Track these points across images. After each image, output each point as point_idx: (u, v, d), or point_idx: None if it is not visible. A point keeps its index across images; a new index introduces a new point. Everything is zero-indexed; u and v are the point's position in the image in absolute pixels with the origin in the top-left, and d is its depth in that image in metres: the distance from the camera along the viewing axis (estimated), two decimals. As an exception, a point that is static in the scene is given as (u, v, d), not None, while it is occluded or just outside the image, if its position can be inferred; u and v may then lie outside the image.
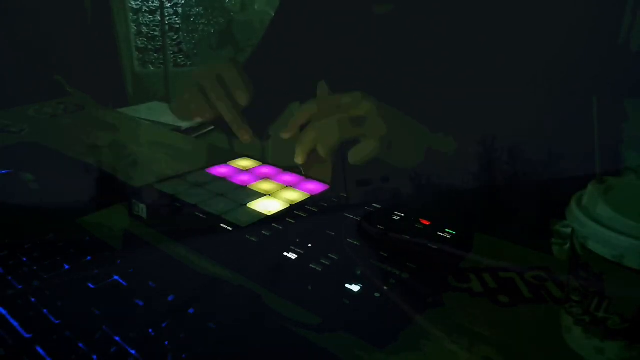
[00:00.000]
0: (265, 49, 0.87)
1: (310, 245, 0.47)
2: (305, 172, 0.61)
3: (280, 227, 0.51)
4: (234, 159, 0.68)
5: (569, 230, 0.38)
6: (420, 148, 0.60)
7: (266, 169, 0.65)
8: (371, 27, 0.73)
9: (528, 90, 0.61)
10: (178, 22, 2.72)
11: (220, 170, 0.64)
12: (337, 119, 0.55)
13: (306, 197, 0.57)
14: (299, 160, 0.58)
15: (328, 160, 0.56)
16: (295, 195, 0.57)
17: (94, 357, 0.36)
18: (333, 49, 0.76)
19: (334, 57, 0.75)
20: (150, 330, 0.38)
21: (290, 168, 0.63)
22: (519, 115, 0.60)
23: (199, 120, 0.66)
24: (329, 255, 0.46)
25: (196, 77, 0.64)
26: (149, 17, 2.69)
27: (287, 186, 0.60)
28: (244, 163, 0.67)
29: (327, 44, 0.76)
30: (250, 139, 0.60)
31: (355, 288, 0.42)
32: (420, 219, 0.52)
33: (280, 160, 0.67)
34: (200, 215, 0.53)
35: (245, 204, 0.55)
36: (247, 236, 0.49)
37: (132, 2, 2.65)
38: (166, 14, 2.68)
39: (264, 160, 0.68)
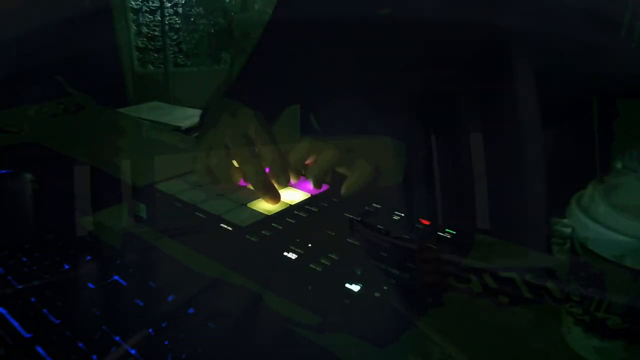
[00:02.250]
0: (265, 49, 0.87)
1: (310, 245, 0.47)
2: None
3: (280, 227, 0.51)
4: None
5: (569, 230, 0.38)
6: (400, 167, 0.62)
7: (266, 169, 0.65)
8: (372, 28, 0.73)
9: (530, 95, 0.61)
10: (178, 22, 2.72)
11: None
12: (330, 145, 0.58)
13: (306, 197, 0.57)
14: (317, 187, 0.60)
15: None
16: (295, 195, 0.57)
17: (94, 357, 0.36)
18: (333, 49, 0.75)
19: (333, 58, 0.75)
20: (150, 330, 0.38)
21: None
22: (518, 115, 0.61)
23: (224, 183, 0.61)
24: (329, 255, 0.46)
25: (221, 137, 0.59)
26: (149, 17, 2.69)
27: (287, 186, 0.60)
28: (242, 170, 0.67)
29: (327, 44, 0.76)
30: (279, 202, 0.57)
31: (355, 288, 0.42)
32: (420, 219, 0.52)
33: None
34: (200, 215, 0.53)
35: (245, 204, 0.55)
36: (247, 236, 0.49)
37: (132, 2, 2.65)
38: (166, 14, 2.68)
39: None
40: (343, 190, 0.57)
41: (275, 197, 0.56)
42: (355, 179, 0.58)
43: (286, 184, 0.58)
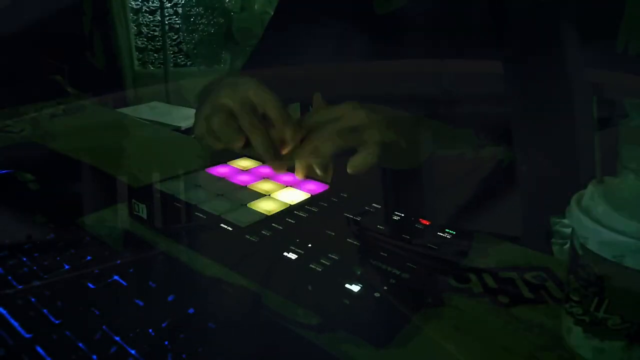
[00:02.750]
0: (265, 48, 0.87)
1: (310, 245, 0.47)
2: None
3: (280, 227, 0.51)
4: (234, 159, 0.68)
5: (569, 230, 0.38)
6: (422, 149, 0.60)
7: (266, 169, 0.65)
8: (372, 27, 0.73)
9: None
10: (178, 22, 2.72)
11: (220, 170, 0.64)
12: (331, 130, 0.55)
13: (306, 197, 0.57)
14: (299, 176, 0.59)
15: (325, 171, 0.56)
16: (295, 195, 0.57)
17: (94, 357, 0.36)
18: (332, 49, 0.76)
19: (333, 57, 0.75)
20: (150, 330, 0.38)
21: (291, 168, 0.63)
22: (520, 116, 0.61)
23: (226, 148, 0.59)
24: (329, 255, 0.46)
25: (223, 100, 0.57)
26: (149, 17, 2.69)
27: (287, 186, 0.60)
28: (244, 163, 0.67)
29: (327, 44, 0.76)
30: (285, 171, 0.56)
31: (355, 288, 0.42)
32: (420, 219, 0.52)
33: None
34: (200, 215, 0.53)
35: (245, 204, 0.55)
36: (247, 236, 0.49)
37: (132, 2, 2.65)
38: (166, 14, 2.68)
39: (264, 160, 0.68)
40: (349, 167, 0.54)
41: (282, 165, 0.55)
42: (363, 156, 0.54)
43: (294, 141, 0.55)
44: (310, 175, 0.59)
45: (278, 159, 0.55)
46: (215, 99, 0.58)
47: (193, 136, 0.61)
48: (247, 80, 0.58)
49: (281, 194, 0.58)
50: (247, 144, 0.56)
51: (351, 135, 0.55)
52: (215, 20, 2.72)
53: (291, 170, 0.62)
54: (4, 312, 0.40)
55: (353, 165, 0.53)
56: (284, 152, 0.57)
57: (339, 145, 0.54)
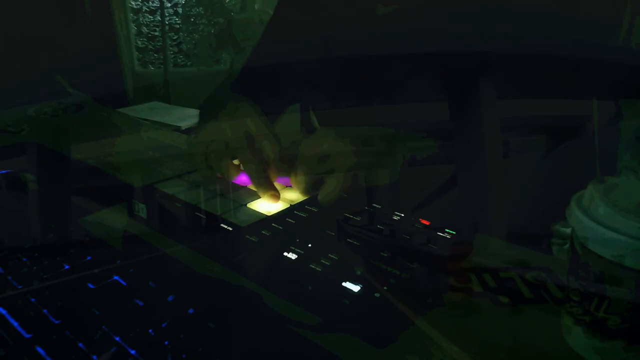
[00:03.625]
0: (265, 48, 0.87)
1: (310, 245, 0.47)
2: None
3: (280, 227, 0.51)
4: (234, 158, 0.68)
5: (569, 230, 0.38)
6: (397, 161, 0.62)
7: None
8: (372, 27, 0.73)
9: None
10: (178, 22, 2.72)
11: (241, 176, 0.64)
12: (301, 161, 0.57)
13: (306, 197, 0.57)
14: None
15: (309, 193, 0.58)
16: (295, 195, 0.57)
17: (94, 357, 0.36)
18: (333, 49, 0.75)
19: (333, 57, 0.75)
20: (150, 330, 0.38)
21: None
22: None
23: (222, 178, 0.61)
24: (329, 255, 0.46)
25: (222, 131, 0.59)
26: (149, 17, 2.69)
27: (287, 186, 0.60)
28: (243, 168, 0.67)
29: (327, 44, 0.76)
30: (278, 200, 0.57)
31: (355, 288, 0.42)
32: (420, 219, 0.52)
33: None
34: (200, 215, 0.53)
35: (245, 204, 0.55)
36: (247, 236, 0.49)
37: (132, 2, 2.65)
38: (166, 14, 2.68)
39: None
40: (319, 199, 0.56)
41: (275, 196, 0.56)
42: (330, 188, 0.56)
43: (288, 175, 0.57)
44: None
45: (271, 191, 0.56)
46: (212, 130, 0.59)
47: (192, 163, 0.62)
48: (246, 110, 0.60)
49: (281, 194, 0.58)
50: None
51: (320, 164, 0.57)
52: (215, 20, 2.72)
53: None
54: (4, 312, 0.40)
55: (321, 198, 0.56)
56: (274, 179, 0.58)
57: (310, 175, 0.56)
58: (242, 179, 0.62)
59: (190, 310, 0.41)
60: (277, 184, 0.60)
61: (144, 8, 2.69)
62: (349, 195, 0.57)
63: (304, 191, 0.57)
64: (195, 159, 0.60)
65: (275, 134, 0.59)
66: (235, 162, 0.58)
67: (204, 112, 0.71)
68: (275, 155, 0.57)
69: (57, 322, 0.39)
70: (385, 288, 0.42)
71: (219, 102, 0.66)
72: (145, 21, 2.70)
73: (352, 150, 0.57)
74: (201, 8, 2.71)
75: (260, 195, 0.56)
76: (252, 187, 0.59)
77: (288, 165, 0.58)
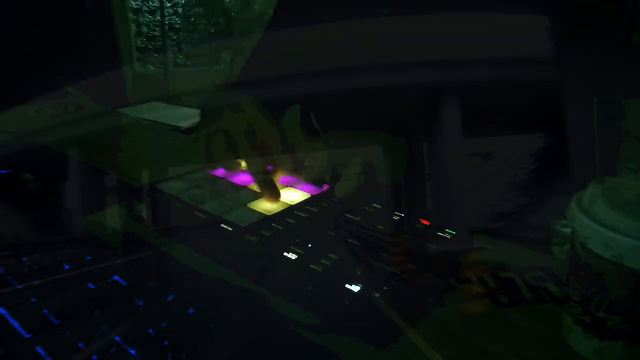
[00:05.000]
0: (265, 48, 0.87)
1: (310, 245, 0.47)
2: None
3: (280, 227, 0.51)
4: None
5: (569, 230, 0.38)
6: (401, 163, 0.62)
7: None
8: (375, 27, 0.73)
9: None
10: (178, 22, 2.71)
11: (220, 170, 0.64)
12: (318, 156, 0.58)
13: (306, 197, 0.57)
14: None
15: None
16: (295, 195, 0.57)
17: (94, 357, 0.36)
18: (333, 48, 0.75)
19: (334, 56, 0.75)
20: (150, 330, 0.38)
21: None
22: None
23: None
24: (329, 255, 0.46)
25: (224, 124, 0.59)
26: (149, 17, 2.69)
27: (287, 186, 0.60)
28: (244, 163, 0.67)
29: (327, 43, 0.76)
30: (279, 200, 0.57)
31: (355, 288, 0.42)
32: (420, 219, 0.52)
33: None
34: (200, 215, 0.53)
35: (245, 204, 0.55)
36: (247, 236, 0.49)
37: (132, 2, 2.65)
38: (166, 14, 2.68)
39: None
40: (336, 193, 0.57)
41: (276, 195, 0.56)
42: (347, 182, 0.57)
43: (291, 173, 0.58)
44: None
45: (272, 190, 0.56)
46: (215, 123, 0.59)
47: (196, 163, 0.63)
48: (249, 104, 0.60)
49: (281, 194, 0.58)
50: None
51: (336, 159, 0.58)
52: (215, 20, 2.72)
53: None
54: (4, 312, 0.40)
55: (339, 191, 0.57)
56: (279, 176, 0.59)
57: (324, 167, 0.58)
58: (243, 178, 0.62)
59: (190, 310, 0.41)
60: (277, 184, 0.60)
61: (144, 8, 2.69)
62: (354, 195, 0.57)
63: (316, 180, 0.58)
64: (197, 150, 0.60)
65: (279, 128, 0.59)
66: (243, 164, 0.59)
67: (205, 108, 0.71)
68: (278, 150, 0.57)
69: (57, 322, 0.39)
70: (385, 288, 0.42)
71: (220, 97, 0.66)
72: (145, 21, 2.70)
73: (362, 148, 0.59)
74: (201, 8, 2.71)
75: (261, 193, 0.56)
76: (253, 186, 0.59)
77: (293, 160, 0.58)
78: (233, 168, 0.59)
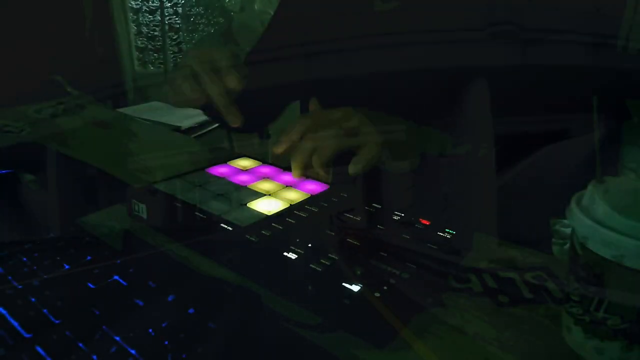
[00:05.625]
0: (265, 47, 0.87)
1: (310, 245, 0.47)
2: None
3: (280, 227, 0.51)
4: (234, 159, 0.68)
5: (569, 230, 0.38)
6: (415, 151, 0.62)
7: (266, 169, 0.65)
8: (372, 25, 0.73)
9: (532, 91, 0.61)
10: (178, 22, 2.71)
11: (220, 170, 0.64)
12: (332, 132, 0.57)
13: (306, 197, 0.57)
14: (296, 175, 0.60)
15: (323, 172, 0.58)
16: (295, 195, 0.57)
17: (94, 357, 0.36)
18: (333, 48, 0.75)
19: (334, 56, 0.75)
20: (150, 330, 0.38)
21: (287, 168, 0.63)
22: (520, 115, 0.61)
23: (191, 105, 0.65)
24: (329, 255, 0.46)
25: (189, 59, 0.63)
26: (149, 17, 2.69)
27: (287, 186, 0.60)
28: (244, 163, 0.67)
29: (327, 43, 0.76)
30: (240, 124, 0.59)
31: (355, 288, 0.42)
32: (420, 219, 0.52)
33: (280, 160, 0.67)
34: (200, 215, 0.53)
35: (245, 204, 0.55)
36: (247, 236, 0.49)
37: (132, 2, 2.65)
38: (166, 14, 2.68)
39: (264, 160, 0.68)
40: (351, 168, 0.56)
41: (238, 117, 0.59)
42: (364, 158, 0.56)
43: (291, 140, 0.58)
44: (307, 175, 0.60)
45: (235, 111, 0.59)
46: (181, 60, 0.63)
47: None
48: (220, 49, 0.64)
49: (281, 194, 0.58)
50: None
51: (351, 137, 0.57)
52: (215, 20, 2.72)
53: (288, 170, 0.62)
54: (4, 312, 0.40)
55: (355, 166, 0.56)
56: (282, 149, 0.58)
57: (340, 147, 0.56)
58: (243, 178, 0.62)
59: (190, 310, 0.41)
60: (277, 184, 0.60)
61: (144, 8, 2.69)
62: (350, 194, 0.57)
63: (324, 165, 0.57)
64: (169, 89, 0.64)
65: (241, 67, 0.63)
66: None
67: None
68: (228, 64, 0.61)
69: (57, 322, 0.39)
70: (385, 288, 0.42)
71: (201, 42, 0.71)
72: (145, 21, 2.70)
73: (378, 129, 0.58)
74: (201, 8, 2.71)
75: (224, 116, 0.60)
76: (253, 186, 0.59)
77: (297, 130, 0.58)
78: (194, 97, 0.61)
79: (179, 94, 0.63)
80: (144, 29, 2.70)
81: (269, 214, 0.53)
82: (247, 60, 0.86)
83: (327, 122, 0.58)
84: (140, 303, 0.42)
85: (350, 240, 0.48)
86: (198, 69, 0.62)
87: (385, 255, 0.46)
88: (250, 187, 0.59)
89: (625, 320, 0.35)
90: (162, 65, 2.69)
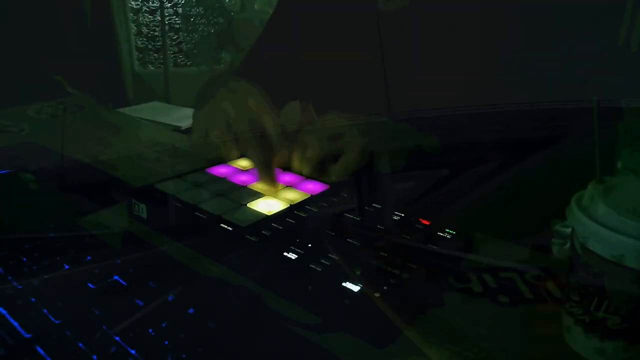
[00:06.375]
0: (265, 46, 0.87)
1: (310, 245, 0.47)
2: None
3: (280, 227, 0.51)
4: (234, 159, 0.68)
5: (569, 230, 0.38)
6: (403, 152, 0.62)
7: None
8: (374, 25, 0.73)
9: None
10: (178, 22, 2.72)
11: (220, 170, 0.64)
12: (314, 137, 0.58)
13: (306, 197, 0.57)
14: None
15: (320, 174, 0.59)
16: (295, 195, 0.57)
17: (94, 357, 0.36)
18: (333, 48, 0.75)
19: (334, 55, 0.75)
20: (150, 330, 0.38)
21: (290, 168, 0.63)
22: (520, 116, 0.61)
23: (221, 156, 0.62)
24: (329, 255, 0.46)
25: (223, 110, 0.59)
26: (149, 17, 2.69)
27: (287, 186, 0.60)
28: (244, 163, 0.67)
29: (327, 43, 0.76)
30: (277, 186, 0.57)
31: (355, 288, 0.42)
32: (420, 219, 0.52)
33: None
34: (200, 215, 0.53)
35: (245, 204, 0.55)
36: (247, 236, 0.49)
37: (132, 2, 2.65)
38: (166, 14, 2.68)
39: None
40: (332, 174, 0.57)
41: (274, 181, 0.57)
42: (344, 164, 0.57)
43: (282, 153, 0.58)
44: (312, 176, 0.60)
45: (270, 175, 0.57)
46: (212, 109, 0.60)
47: (192, 139, 0.63)
48: (248, 88, 0.60)
49: (281, 194, 0.58)
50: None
51: (333, 142, 0.58)
52: (215, 20, 2.72)
53: (288, 170, 0.62)
54: (4, 312, 0.40)
55: (335, 173, 0.57)
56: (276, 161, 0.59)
57: (323, 152, 0.58)
58: (243, 178, 0.62)
59: (191, 310, 0.41)
60: (277, 184, 0.60)
61: (144, 8, 2.69)
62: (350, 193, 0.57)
63: (311, 170, 0.58)
64: (197, 136, 0.61)
65: (277, 112, 0.60)
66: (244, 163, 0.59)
67: (203, 91, 0.70)
68: (277, 132, 0.58)
69: (57, 322, 0.39)
70: (385, 288, 0.42)
71: (218, 82, 0.66)
72: (145, 21, 2.70)
73: (364, 132, 0.59)
74: (201, 8, 2.71)
75: (261, 180, 0.57)
76: (253, 186, 0.59)
77: (290, 144, 0.58)
78: (233, 156, 0.59)
79: (213, 148, 0.60)
80: (144, 29, 2.70)
81: (269, 214, 0.53)
82: (246, 58, 0.87)
83: (311, 129, 0.59)
84: (140, 303, 0.42)
85: (350, 240, 0.48)
86: (236, 124, 0.58)
87: (385, 255, 0.46)
88: (250, 187, 0.59)
89: (625, 320, 0.35)
90: (162, 65, 2.70)
